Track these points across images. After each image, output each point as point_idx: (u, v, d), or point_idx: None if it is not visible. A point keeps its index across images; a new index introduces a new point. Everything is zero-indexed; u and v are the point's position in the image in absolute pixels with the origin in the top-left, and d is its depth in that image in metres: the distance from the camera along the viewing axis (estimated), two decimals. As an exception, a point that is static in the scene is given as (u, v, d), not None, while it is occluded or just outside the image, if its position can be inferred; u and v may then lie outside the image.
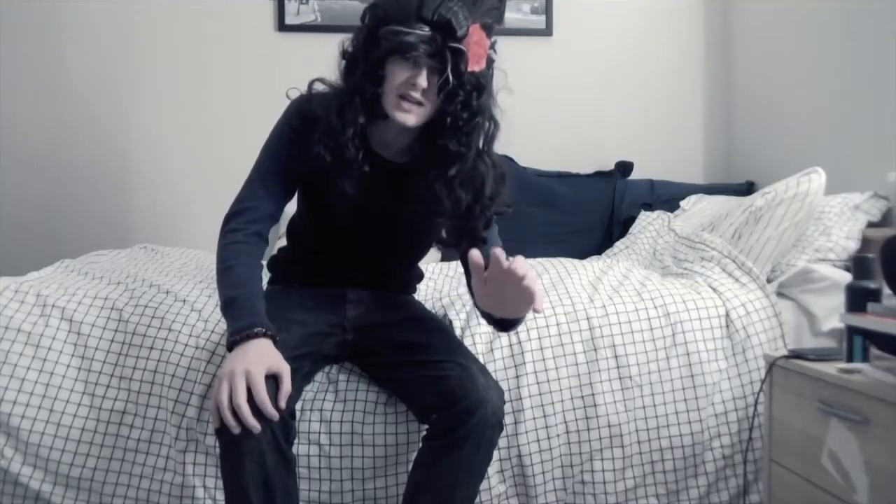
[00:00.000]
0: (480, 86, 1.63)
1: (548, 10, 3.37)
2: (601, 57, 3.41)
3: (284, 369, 1.51)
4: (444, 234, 1.78)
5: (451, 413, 1.58)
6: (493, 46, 1.67)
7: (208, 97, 3.27)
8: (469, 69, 1.59)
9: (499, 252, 1.41)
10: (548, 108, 3.38)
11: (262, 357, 1.50)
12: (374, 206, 1.74)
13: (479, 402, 1.57)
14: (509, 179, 1.77)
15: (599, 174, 3.25)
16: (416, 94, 1.59)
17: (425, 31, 1.56)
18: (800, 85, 2.89)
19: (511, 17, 3.36)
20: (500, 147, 3.34)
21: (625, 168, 3.25)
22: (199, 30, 3.27)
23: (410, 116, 1.62)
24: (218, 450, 1.54)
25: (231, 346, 1.53)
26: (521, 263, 1.39)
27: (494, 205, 1.74)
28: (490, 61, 1.67)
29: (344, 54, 1.68)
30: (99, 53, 3.23)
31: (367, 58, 1.62)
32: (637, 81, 3.42)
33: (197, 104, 3.27)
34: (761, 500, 1.91)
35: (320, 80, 1.72)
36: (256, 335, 1.53)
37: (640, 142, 3.38)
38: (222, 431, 1.49)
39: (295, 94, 1.75)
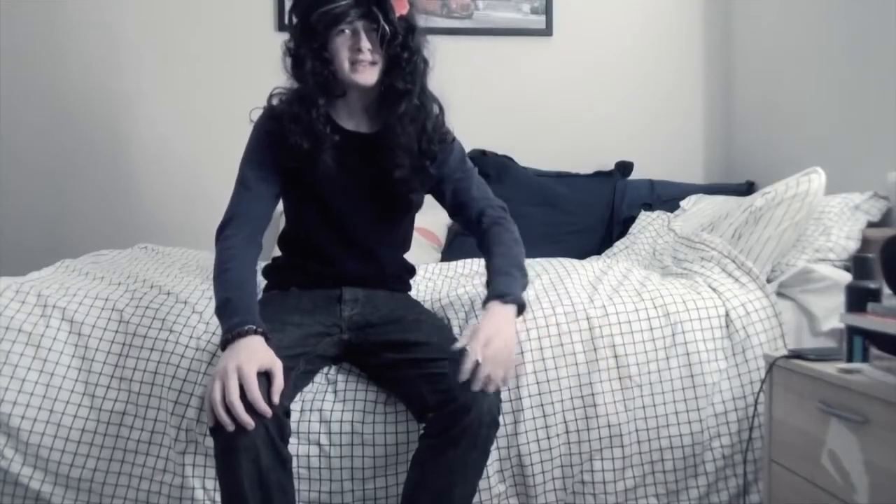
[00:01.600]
0: (411, 26, 1.83)
1: (548, 10, 3.37)
2: (601, 57, 3.41)
3: (276, 365, 1.54)
4: (403, 173, 1.87)
5: (446, 411, 1.59)
6: None
7: (208, 97, 3.26)
8: (398, 14, 1.78)
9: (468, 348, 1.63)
10: (548, 108, 3.38)
11: (254, 354, 1.54)
12: (356, 179, 1.86)
13: (474, 400, 1.58)
14: (445, 113, 1.94)
15: (599, 174, 3.25)
16: (366, 57, 1.78)
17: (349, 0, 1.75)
18: (800, 85, 2.89)
19: (511, 17, 3.36)
20: (501, 147, 3.34)
21: (625, 168, 3.25)
22: (199, 30, 3.27)
23: (368, 75, 1.80)
24: (214, 450, 1.55)
25: (224, 345, 1.58)
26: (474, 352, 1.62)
27: (437, 135, 1.89)
28: (411, 3, 1.84)
29: (288, 51, 1.85)
30: (99, 53, 3.23)
31: (310, 45, 1.79)
32: (637, 81, 3.42)
33: (197, 104, 3.27)
34: (761, 500, 1.91)
35: (277, 91, 1.88)
36: (248, 332, 1.58)
37: (640, 142, 3.38)
38: (217, 430, 1.51)
39: (257, 113, 1.90)
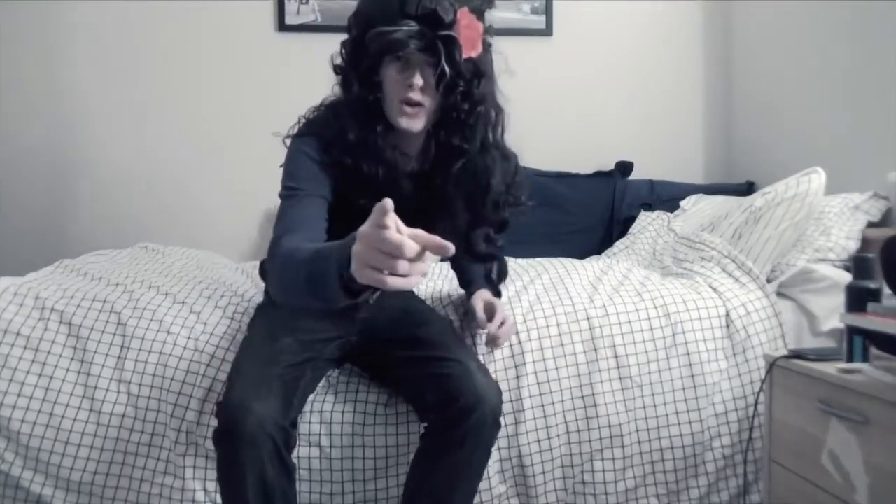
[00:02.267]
0: (479, 72, 1.59)
1: (548, 10, 3.37)
2: (601, 57, 3.41)
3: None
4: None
5: (449, 412, 1.58)
6: (488, 31, 1.61)
7: (208, 97, 3.26)
8: (464, 56, 1.54)
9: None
10: (548, 108, 3.38)
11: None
12: (414, 221, 1.66)
13: (477, 401, 1.56)
14: (522, 171, 1.73)
15: (599, 174, 3.25)
16: (416, 95, 1.55)
17: (412, 25, 1.52)
18: (800, 85, 2.89)
19: (511, 17, 3.36)
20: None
21: (625, 168, 3.25)
22: (199, 30, 3.26)
23: (415, 121, 1.58)
24: (216, 459, 1.52)
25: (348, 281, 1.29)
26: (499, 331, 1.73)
27: (507, 199, 1.69)
28: (487, 45, 1.61)
29: (336, 69, 1.64)
30: (99, 53, 3.23)
31: (359, 66, 1.58)
32: (637, 81, 3.42)
33: (197, 104, 3.27)
34: (762, 500, 1.91)
35: (313, 113, 1.67)
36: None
37: (640, 142, 3.38)
38: (221, 441, 1.47)
39: (280, 133, 1.68)
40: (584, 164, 3.29)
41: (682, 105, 3.44)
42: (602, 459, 1.91)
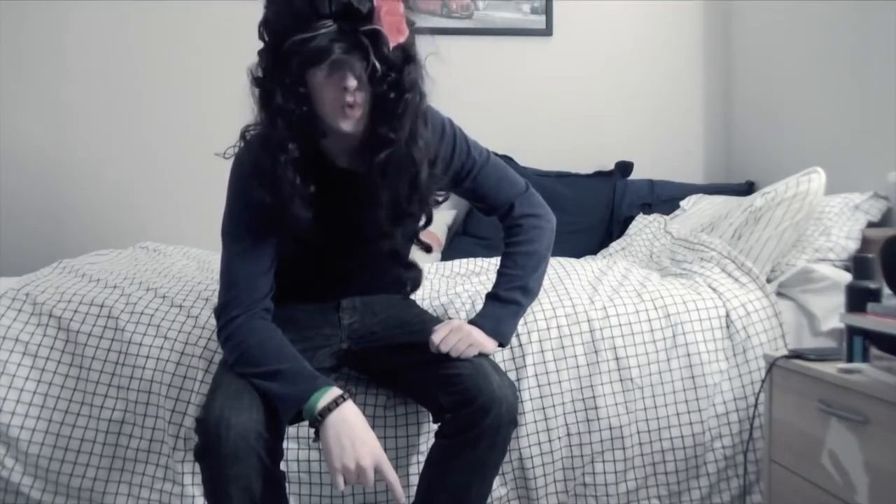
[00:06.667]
0: (409, 57, 1.50)
1: (548, 10, 3.37)
2: (601, 57, 3.41)
3: (384, 458, 1.49)
4: (390, 243, 1.67)
5: (465, 412, 1.56)
6: (408, 6, 1.50)
7: (207, 97, 3.26)
8: (392, 45, 1.45)
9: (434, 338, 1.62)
10: (548, 108, 3.38)
11: (364, 444, 1.47)
12: (349, 217, 1.64)
13: (493, 401, 1.55)
14: (456, 140, 1.69)
15: (599, 174, 3.25)
16: (351, 97, 1.47)
17: (330, 26, 1.41)
18: (800, 85, 2.89)
19: (511, 17, 3.36)
20: (501, 147, 3.35)
21: (625, 168, 3.25)
22: (198, 29, 3.26)
23: (356, 121, 1.51)
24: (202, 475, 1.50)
25: (321, 416, 1.46)
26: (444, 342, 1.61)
27: (431, 193, 1.64)
28: (410, 24, 1.50)
29: (256, 81, 1.54)
30: (98, 54, 3.23)
31: (282, 78, 1.48)
32: (637, 81, 3.42)
33: (196, 104, 3.27)
34: (763, 500, 1.91)
35: (250, 129, 1.62)
36: (336, 403, 1.47)
37: (640, 142, 3.38)
38: (204, 456, 1.45)
39: (230, 153, 1.64)
40: (584, 164, 3.30)
41: (682, 105, 3.44)
42: (603, 461, 1.91)
